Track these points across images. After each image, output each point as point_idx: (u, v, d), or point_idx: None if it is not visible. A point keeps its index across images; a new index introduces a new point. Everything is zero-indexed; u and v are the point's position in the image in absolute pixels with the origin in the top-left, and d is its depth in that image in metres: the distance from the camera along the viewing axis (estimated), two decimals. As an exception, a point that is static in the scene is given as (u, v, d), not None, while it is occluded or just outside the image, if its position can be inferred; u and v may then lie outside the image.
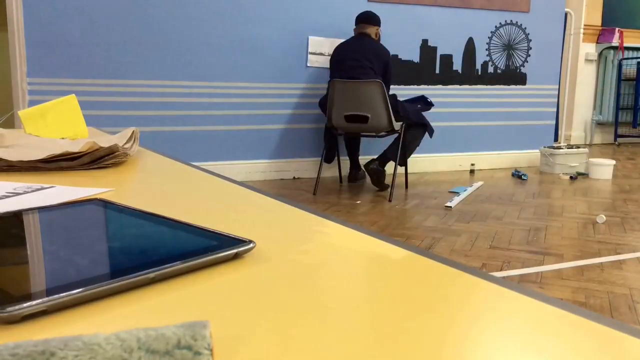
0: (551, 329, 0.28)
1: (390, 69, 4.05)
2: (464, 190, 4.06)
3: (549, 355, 0.26)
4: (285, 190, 4.03)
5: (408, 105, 4.04)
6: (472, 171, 4.95)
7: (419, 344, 0.26)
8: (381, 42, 4.27)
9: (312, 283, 0.34)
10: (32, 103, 3.76)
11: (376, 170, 4.00)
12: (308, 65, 4.48)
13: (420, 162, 4.94)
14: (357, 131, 4.00)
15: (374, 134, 3.99)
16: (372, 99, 3.83)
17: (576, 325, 0.29)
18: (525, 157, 5.34)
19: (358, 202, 3.71)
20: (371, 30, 4.10)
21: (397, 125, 3.88)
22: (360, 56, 3.94)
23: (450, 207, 3.55)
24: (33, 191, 0.63)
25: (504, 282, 0.35)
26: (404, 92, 4.83)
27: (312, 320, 0.29)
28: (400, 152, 4.00)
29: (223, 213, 0.52)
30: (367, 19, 4.12)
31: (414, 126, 4.06)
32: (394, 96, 4.03)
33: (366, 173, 4.24)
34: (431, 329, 0.28)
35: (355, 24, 4.15)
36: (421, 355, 0.25)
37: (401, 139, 3.97)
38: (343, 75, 3.94)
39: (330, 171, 4.58)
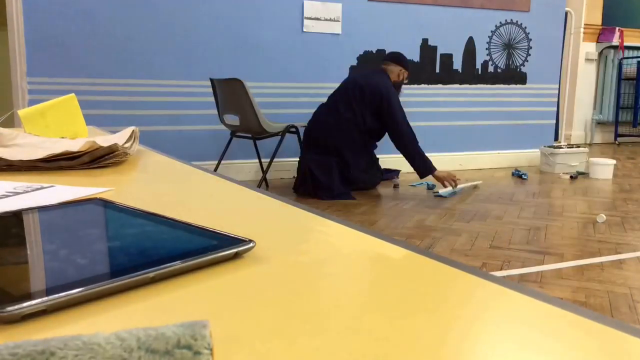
0: (552, 328, 0.28)
1: (388, 107, 3.75)
2: (459, 190, 4.06)
3: (549, 355, 0.26)
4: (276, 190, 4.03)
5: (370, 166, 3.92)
6: (395, 186, 4.45)
7: (419, 343, 0.26)
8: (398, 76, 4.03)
9: (312, 283, 0.34)
10: (31, 102, 3.76)
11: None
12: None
13: (421, 161, 4.94)
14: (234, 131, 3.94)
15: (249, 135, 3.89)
16: (239, 100, 3.70)
17: (577, 324, 0.29)
18: (525, 156, 5.34)
19: (354, 199, 3.71)
20: (392, 69, 3.98)
21: (272, 127, 3.74)
22: (352, 85, 3.82)
23: (440, 194, 3.66)
24: (33, 191, 0.63)
25: (504, 281, 0.35)
26: (404, 91, 4.82)
27: (312, 320, 0.29)
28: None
29: (223, 212, 0.52)
30: (390, 56, 4.03)
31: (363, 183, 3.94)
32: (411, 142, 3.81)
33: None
34: (432, 328, 0.28)
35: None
36: (422, 354, 0.25)
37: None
38: (329, 100, 3.89)
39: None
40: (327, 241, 0.43)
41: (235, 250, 0.38)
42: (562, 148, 4.95)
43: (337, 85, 4.56)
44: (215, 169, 4.18)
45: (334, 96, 3.89)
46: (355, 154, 3.83)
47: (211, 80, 3.91)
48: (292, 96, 4.47)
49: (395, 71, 3.99)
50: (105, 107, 3.94)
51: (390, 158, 4.82)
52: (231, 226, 0.47)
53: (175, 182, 0.68)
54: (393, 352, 0.25)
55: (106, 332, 0.23)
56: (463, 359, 0.25)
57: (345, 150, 3.80)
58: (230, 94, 3.75)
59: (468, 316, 0.30)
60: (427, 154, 5.02)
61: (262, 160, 4.41)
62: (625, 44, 7.36)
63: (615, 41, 7.28)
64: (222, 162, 4.31)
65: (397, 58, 4.00)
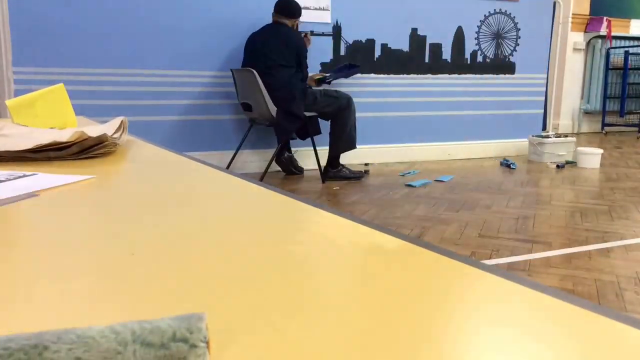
0: (542, 315, 0.28)
1: (303, 56, 3.93)
2: (450, 179, 4.07)
3: (541, 341, 0.26)
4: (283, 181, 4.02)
5: (320, 94, 3.99)
6: (366, 171, 4.41)
7: (412, 330, 0.26)
8: (300, 31, 4.19)
9: (307, 273, 0.34)
10: (17, 92, 3.71)
11: (335, 176, 4.03)
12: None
13: (409, 151, 4.94)
14: (252, 119, 4.06)
15: (267, 123, 3.97)
16: (252, 88, 3.85)
17: (567, 312, 0.29)
18: (513, 145, 5.36)
19: (336, 187, 3.71)
20: (287, 22, 4.01)
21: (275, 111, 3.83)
22: (270, 46, 3.88)
23: (411, 184, 3.85)
24: (14, 179, 0.62)
25: (495, 269, 0.35)
26: (393, 81, 4.82)
27: (307, 311, 0.29)
28: (337, 139, 4.01)
29: (213, 202, 0.51)
30: (282, 10, 3.99)
31: (337, 113, 4.02)
32: (307, 87, 3.98)
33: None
34: (424, 316, 0.28)
35: (273, 11, 4.02)
36: (415, 341, 0.25)
37: (331, 129, 4.05)
38: (252, 66, 3.89)
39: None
40: (322, 231, 0.42)
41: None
42: (550, 137, 4.97)
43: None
44: (230, 162, 4.24)
45: (256, 60, 3.91)
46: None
47: (232, 70, 4.05)
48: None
49: (290, 23, 4.02)
50: (93, 97, 3.90)
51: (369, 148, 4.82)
52: (223, 215, 0.46)
53: (165, 172, 0.68)
54: (388, 340, 0.25)
55: (101, 324, 0.23)
56: (456, 346, 0.25)
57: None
58: (245, 83, 3.88)
59: (460, 304, 0.30)
60: (415, 144, 5.03)
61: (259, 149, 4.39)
62: (613, 33, 7.39)
63: (603, 31, 7.31)
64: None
65: (288, 11, 3.98)
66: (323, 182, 4.00)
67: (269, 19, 4.29)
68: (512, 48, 5.27)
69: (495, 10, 5.13)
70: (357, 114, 4.73)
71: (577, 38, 7.39)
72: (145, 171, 0.69)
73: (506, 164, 4.76)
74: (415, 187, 3.83)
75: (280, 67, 3.86)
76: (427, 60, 4.95)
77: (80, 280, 0.33)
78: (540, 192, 3.73)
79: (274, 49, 3.88)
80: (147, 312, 0.28)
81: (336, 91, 4.07)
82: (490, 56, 5.20)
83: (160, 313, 0.28)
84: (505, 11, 5.18)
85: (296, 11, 4.03)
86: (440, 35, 4.97)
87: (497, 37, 5.20)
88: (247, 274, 0.34)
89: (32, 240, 0.41)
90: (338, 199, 3.48)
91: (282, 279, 0.33)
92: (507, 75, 5.29)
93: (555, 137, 5.01)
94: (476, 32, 5.10)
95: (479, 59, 5.16)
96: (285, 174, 4.27)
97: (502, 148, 5.33)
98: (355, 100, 4.68)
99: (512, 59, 5.28)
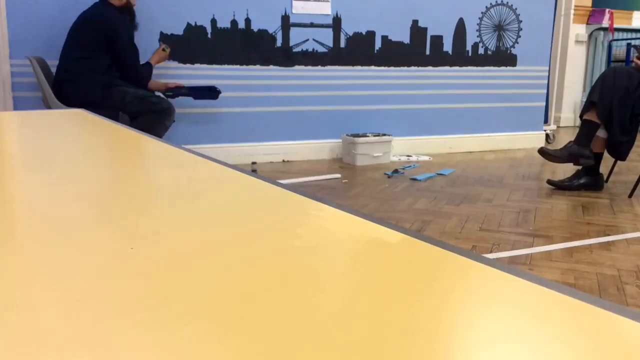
0: (543, 310, 0.28)
1: (120, 43, 3.22)
2: (450, 172, 4.07)
3: (541, 335, 0.25)
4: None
5: (134, 96, 3.33)
6: (254, 170, 4.10)
7: (413, 325, 0.26)
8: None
9: (307, 267, 0.34)
10: (15, 85, 3.71)
11: None
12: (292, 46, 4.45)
13: (410, 144, 4.94)
14: None
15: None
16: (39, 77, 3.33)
17: (568, 306, 0.29)
18: (514, 138, 5.35)
19: (345, 180, 3.71)
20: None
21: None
22: (77, 30, 3.29)
23: (416, 178, 3.84)
24: None
25: (497, 264, 0.35)
26: (393, 73, 4.81)
27: (308, 305, 0.28)
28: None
29: (212, 195, 0.51)
30: None
31: (146, 113, 3.35)
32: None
33: None
34: (426, 310, 0.28)
35: None
36: (415, 336, 0.25)
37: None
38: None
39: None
40: (322, 225, 0.42)
41: None
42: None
43: (323, 70, 4.54)
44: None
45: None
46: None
47: None
48: (281, 79, 4.44)
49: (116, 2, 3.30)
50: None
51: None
52: (223, 210, 0.46)
53: (161, 165, 0.67)
54: (388, 334, 0.25)
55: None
56: (456, 340, 0.25)
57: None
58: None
59: (461, 298, 0.29)
60: (416, 137, 5.02)
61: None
62: (615, 25, 7.36)
63: (605, 23, 7.28)
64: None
65: None
66: None
67: (271, 13, 4.27)
68: (513, 40, 5.25)
69: (496, 1, 5.11)
70: (358, 106, 4.73)
71: (579, 30, 7.37)
72: (141, 165, 0.69)
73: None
74: (419, 180, 3.83)
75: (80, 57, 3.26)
76: (428, 52, 4.93)
77: (79, 276, 0.32)
78: (542, 186, 3.73)
79: (78, 37, 3.26)
80: (146, 309, 0.28)
81: (158, 97, 3.50)
82: (492, 48, 5.18)
83: (159, 309, 0.28)
84: (507, 3, 5.16)
85: None
86: (442, 27, 4.95)
87: (499, 29, 5.18)
88: (246, 268, 0.33)
89: (29, 238, 0.40)
90: (338, 193, 3.48)
91: (282, 273, 0.33)
92: (508, 68, 5.28)
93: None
94: (477, 24, 5.09)
95: (481, 51, 5.14)
96: None
97: (505, 141, 5.32)
98: (354, 92, 4.69)
99: (513, 51, 5.27)
